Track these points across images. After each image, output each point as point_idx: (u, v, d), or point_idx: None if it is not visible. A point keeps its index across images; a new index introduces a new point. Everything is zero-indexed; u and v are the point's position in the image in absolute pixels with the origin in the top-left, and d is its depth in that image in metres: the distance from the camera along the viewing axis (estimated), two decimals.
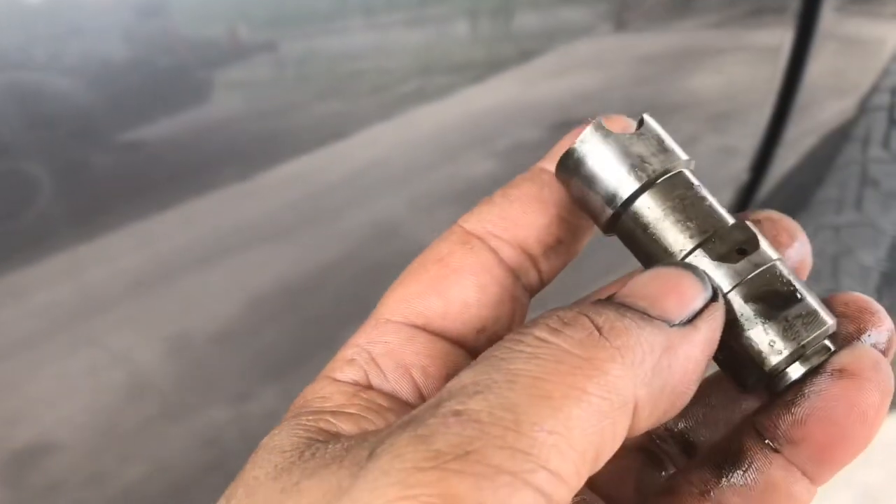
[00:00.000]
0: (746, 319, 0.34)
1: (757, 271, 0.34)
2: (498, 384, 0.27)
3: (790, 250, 0.38)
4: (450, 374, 0.35)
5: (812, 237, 1.66)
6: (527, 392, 0.26)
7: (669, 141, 0.36)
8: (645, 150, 0.35)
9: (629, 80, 1.05)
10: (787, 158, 1.46)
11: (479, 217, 0.38)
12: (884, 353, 0.35)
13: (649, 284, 0.32)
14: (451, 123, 0.85)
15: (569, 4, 0.92)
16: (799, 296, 0.34)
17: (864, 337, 0.35)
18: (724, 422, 0.40)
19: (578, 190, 0.37)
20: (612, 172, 0.35)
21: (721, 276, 0.34)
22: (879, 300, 0.40)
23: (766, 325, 0.33)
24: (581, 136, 0.36)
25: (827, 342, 0.34)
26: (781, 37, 1.24)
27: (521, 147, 0.94)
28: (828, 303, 0.36)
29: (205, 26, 0.64)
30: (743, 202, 1.47)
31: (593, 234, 0.40)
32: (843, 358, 0.33)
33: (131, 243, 0.67)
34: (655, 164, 0.35)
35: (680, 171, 0.36)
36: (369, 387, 0.35)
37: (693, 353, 0.31)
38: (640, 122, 0.36)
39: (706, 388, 0.41)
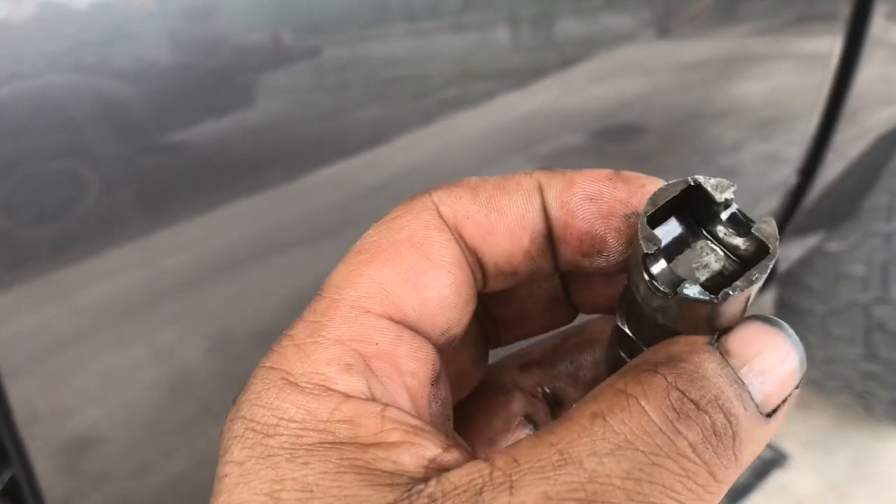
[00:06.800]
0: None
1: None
2: (654, 487, 0.28)
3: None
4: (433, 379, 0.34)
5: (862, 244, 1.63)
6: (674, 500, 0.28)
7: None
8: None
9: (672, 87, 1.05)
10: (835, 164, 1.44)
11: (456, 203, 0.35)
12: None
13: (763, 351, 0.30)
14: (493, 128, 0.85)
15: (611, 11, 0.92)
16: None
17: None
18: (590, 381, 0.42)
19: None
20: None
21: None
22: None
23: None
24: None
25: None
26: (830, 44, 1.23)
27: (563, 152, 0.94)
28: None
29: (249, 32, 0.65)
30: (791, 208, 1.46)
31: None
32: None
33: (175, 243, 0.68)
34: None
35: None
36: (374, 399, 0.31)
37: (765, 442, 0.31)
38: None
39: (577, 349, 0.42)
